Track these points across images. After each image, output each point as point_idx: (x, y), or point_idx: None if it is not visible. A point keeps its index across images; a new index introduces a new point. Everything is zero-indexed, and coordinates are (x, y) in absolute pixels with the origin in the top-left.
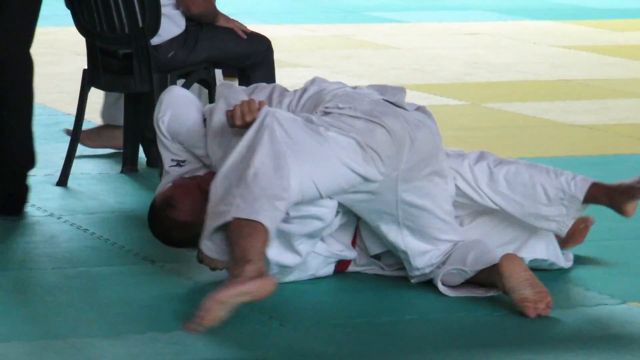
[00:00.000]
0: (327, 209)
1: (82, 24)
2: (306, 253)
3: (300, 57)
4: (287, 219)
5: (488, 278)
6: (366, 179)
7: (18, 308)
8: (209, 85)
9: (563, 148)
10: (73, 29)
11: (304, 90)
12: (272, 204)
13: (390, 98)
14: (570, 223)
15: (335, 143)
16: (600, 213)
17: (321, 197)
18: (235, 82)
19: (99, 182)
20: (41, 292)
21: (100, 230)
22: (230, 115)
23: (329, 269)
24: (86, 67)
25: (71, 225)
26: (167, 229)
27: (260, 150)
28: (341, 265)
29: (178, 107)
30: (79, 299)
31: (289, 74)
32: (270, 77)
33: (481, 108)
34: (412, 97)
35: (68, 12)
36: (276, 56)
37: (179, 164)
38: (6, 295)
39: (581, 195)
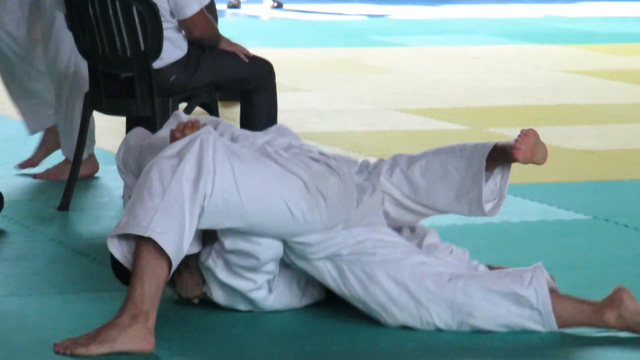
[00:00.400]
0: (261, 247)
1: (84, 47)
2: (262, 282)
3: (302, 81)
4: (225, 251)
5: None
6: (305, 224)
7: (19, 333)
8: (211, 108)
9: (564, 173)
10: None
11: (256, 137)
12: (182, 235)
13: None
14: (485, 200)
15: (282, 179)
16: (600, 239)
17: (248, 224)
18: (237, 106)
19: (100, 207)
20: (42, 317)
21: (101, 255)
22: (172, 131)
23: (319, 291)
24: (88, 90)
25: (73, 250)
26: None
27: (187, 157)
28: None
29: (130, 139)
30: (81, 324)
31: (291, 97)
32: (272, 101)
33: (483, 132)
34: (413, 122)
35: (70, 34)
36: (278, 80)
37: None
38: (7, 320)
39: (483, 159)
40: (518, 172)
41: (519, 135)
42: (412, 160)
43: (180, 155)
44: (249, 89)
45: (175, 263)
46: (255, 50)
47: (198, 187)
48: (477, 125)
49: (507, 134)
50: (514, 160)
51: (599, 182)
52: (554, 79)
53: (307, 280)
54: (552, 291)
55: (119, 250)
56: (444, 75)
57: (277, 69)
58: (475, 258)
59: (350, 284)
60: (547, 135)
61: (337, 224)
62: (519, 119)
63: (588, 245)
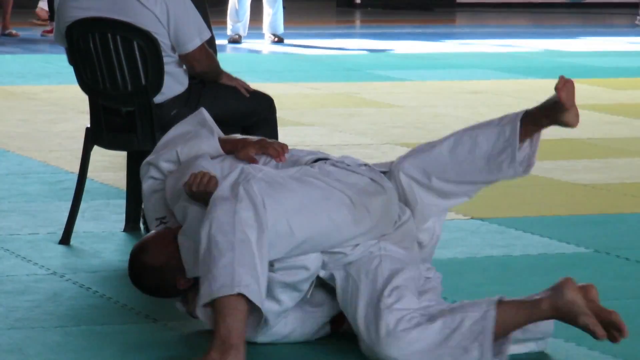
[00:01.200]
0: (313, 256)
1: (85, 82)
2: (286, 306)
3: (303, 116)
4: (271, 269)
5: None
6: (348, 237)
7: None
8: None
9: (565, 207)
10: (77, 87)
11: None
12: (259, 278)
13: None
14: (520, 154)
15: (328, 194)
16: (602, 272)
17: (298, 249)
18: None
19: (101, 241)
20: (44, 351)
21: (102, 288)
22: (187, 181)
23: (324, 328)
24: (89, 125)
25: (74, 284)
26: (137, 272)
27: (240, 202)
28: (339, 322)
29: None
30: (83, 358)
31: (292, 132)
32: (273, 136)
33: None
34: None
35: (71, 70)
36: (279, 114)
37: (162, 221)
38: (8, 353)
39: (517, 121)
40: (518, 206)
41: (559, 81)
42: (435, 142)
43: (230, 202)
44: (250, 123)
45: (262, 306)
46: (256, 85)
47: (262, 226)
48: None
49: None
50: (559, 101)
51: (600, 216)
52: None
53: (321, 323)
54: (500, 302)
55: (209, 319)
56: (444, 110)
57: (278, 104)
58: (476, 291)
59: (348, 292)
60: (548, 169)
61: (377, 236)
62: None
63: (589, 278)
